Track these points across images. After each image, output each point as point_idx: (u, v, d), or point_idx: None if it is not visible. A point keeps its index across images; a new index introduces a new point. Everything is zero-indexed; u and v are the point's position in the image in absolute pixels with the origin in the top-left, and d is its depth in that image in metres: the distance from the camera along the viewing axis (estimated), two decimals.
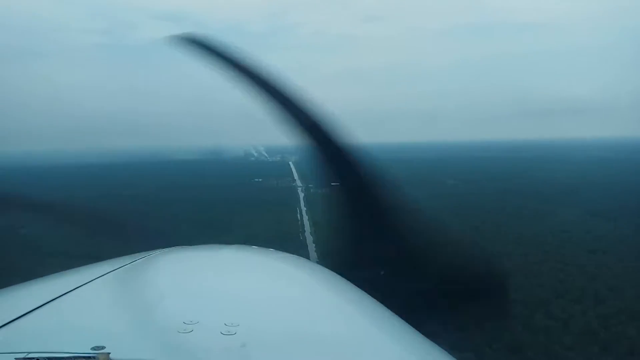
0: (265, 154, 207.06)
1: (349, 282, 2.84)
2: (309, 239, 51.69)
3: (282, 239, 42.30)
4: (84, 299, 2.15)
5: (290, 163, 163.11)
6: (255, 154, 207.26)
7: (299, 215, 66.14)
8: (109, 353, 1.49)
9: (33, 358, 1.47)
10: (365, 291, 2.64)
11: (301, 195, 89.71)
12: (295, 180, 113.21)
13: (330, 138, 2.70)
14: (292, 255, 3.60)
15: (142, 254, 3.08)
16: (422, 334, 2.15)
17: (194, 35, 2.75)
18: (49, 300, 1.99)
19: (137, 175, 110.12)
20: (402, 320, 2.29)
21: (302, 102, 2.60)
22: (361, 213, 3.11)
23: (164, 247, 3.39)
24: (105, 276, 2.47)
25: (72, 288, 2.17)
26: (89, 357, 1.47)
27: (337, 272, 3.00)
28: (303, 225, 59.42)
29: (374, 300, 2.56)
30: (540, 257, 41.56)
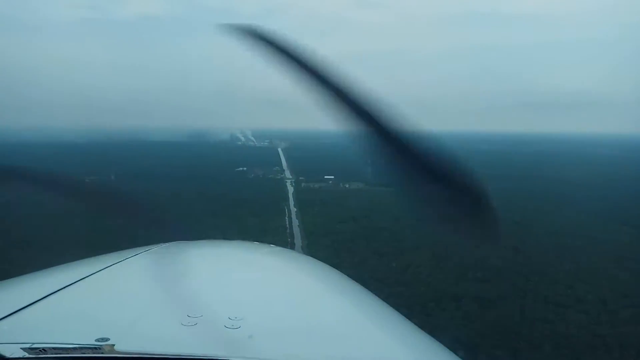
0: (253, 139, 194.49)
1: (348, 277, 2.96)
2: None
3: None
4: (88, 291, 2.15)
5: (279, 150, 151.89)
6: (242, 138, 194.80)
7: (287, 221, 53.01)
8: (114, 345, 1.51)
9: (38, 348, 1.49)
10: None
11: (290, 190, 76.95)
12: (284, 170, 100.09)
13: (389, 125, 2.28)
14: (292, 250, 3.53)
15: (143, 248, 3.02)
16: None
17: (254, 28, 2.32)
18: (53, 291, 1.99)
19: (107, 159, 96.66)
20: (402, 315, 2.36)
21: (355, 90, 2.22)
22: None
23: (163, 242, 3.32)
24: (108, 268, 2.45)
25: (76, 280, 2.16)
26: (94, 348, 1.50)
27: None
28: (292, 235, 46.62)
29: (372, 294, 2.66)
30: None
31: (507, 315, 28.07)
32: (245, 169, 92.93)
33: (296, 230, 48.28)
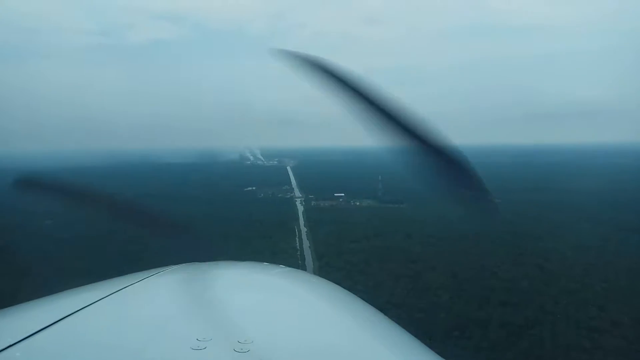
0: (262, 158, 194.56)
1: (359, 299, 2.92)
2: None
3: None
4: (100, 315, 2.16)
5: (288, 168, 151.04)
6: (251, 157, 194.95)
7: (297, 242, 51.50)
8: None
9: None
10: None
11: (300, 209, 75.42)
12: (293, 189, 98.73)
13: (432, 140, 2.57)
14: (303, 272, 3.62)
15: (155, 270, 3.01)
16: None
17: (308, 56, 2.54)
18: (65, 315, 2.00)
19: (119, 182, 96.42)
20: (415, 338, 2.34)
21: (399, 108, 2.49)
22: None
23: (175, 264, 3.33)
24: (118, 292, 2.44)
25: (86, 304, 2.16)
26: None
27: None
28: (303, 257, 45.09)
29: (384, 315, 2.65)
30: None
31: (539, 344, 26.16)
32: (254, 188, 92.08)
33: (307, 252, 46.74)
